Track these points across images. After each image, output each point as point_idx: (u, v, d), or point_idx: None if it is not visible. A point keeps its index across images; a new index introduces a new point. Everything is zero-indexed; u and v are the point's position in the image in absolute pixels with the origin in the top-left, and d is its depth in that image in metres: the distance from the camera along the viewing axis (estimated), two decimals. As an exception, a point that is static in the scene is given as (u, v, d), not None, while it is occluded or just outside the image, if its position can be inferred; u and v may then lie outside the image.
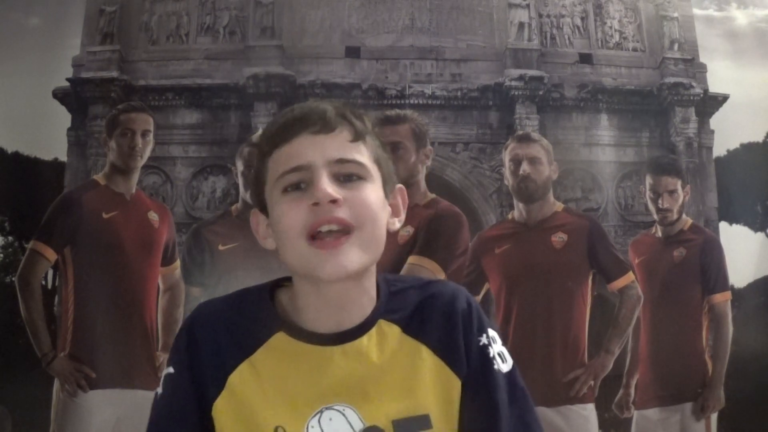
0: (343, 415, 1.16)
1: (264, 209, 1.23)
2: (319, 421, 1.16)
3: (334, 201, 1.14)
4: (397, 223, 1.23)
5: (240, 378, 1.18)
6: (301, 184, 1.17)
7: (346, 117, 1.20)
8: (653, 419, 4.07)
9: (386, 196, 1.22)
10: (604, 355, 3.58)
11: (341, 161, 1.17)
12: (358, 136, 1.20)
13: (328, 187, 1.15)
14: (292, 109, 1.22)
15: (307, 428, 1.16)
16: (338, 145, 1.18)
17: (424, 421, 1.18)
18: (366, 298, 1.21)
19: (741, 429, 13.62)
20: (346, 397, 1.17)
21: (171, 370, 1.22)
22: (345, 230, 1.15)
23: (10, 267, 22.80)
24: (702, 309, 4.07)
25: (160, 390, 1.22)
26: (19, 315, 3.60)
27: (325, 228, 1.14)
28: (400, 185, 1.26)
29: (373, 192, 1.19)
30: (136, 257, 3.60)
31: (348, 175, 1.17)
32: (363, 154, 1.20)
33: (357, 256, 1.15)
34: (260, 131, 3.80)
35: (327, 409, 1.17)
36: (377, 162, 1.21)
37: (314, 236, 1.15)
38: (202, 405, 1.19)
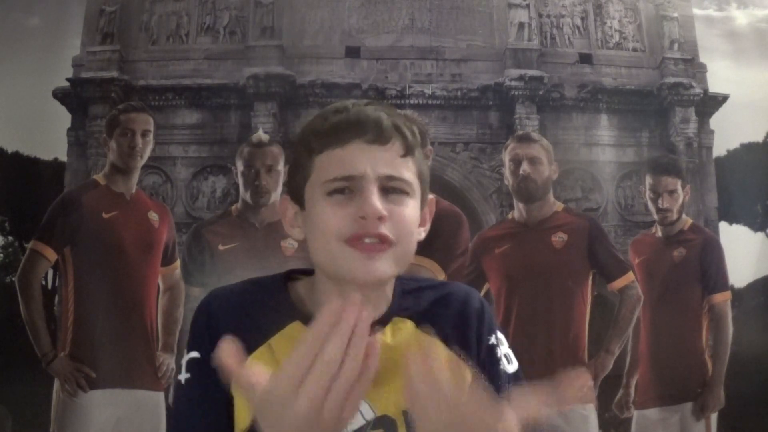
0: None
1: (297, 200, 1.23)
2: None
3: (380, 217, 1.15)
4: (422, 233, 1.24)
5: (259, 361, 1.17)
6: (345, 189, 1.17)
7: (399, 129, 1.20)
8: (653, 419, 4.07)
9: (421, 208, 1.23)
10: (604, 355, 3.58)
11: (390, 177, 1.18)
12: (408, 151, 1.20)
13: (377, 203, 1.15)
14: (345, 108, 1.21)
15: None
16: (390, 159, 1.18)
17: None
18: (383, 299, 1.23)
19: (741, 429, 13.62)
20: None
21: (195, 354, 1.21)
22: (384, 243, 1.16)
23: (10, 267, 22.79)
24: (702, 309, 4.07)
25: (184, 375, 1.21)
26: (19, 315, 3.60)
27: (366, 240, 1.16)
28: (431, 197, 1.27)
29: (413, 208, 1.20)
30: (136, 257, 3.60)
31: (394, 189, 1.18)
32: (410, 170, 1.20)
33: (390, 267, 1.17)
34: (260, 131, 3.81)
35: None
36: (420, 176, 1.22)
37: (353, 242, 1.16)
38: (227, 386, 1.20)
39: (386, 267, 1.17)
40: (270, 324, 1.21)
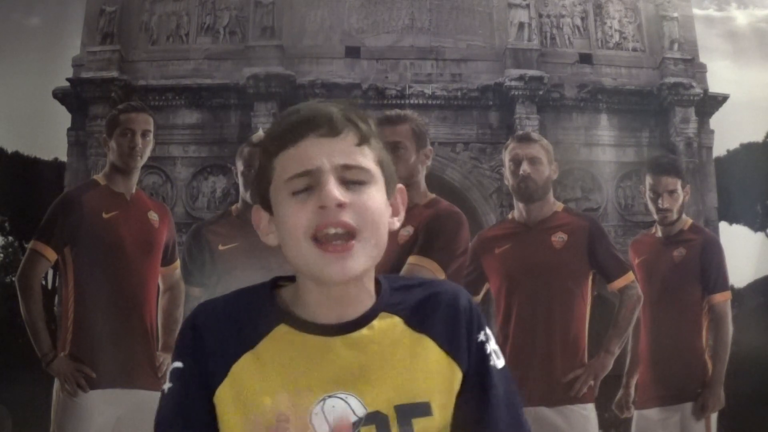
0: (346, 402, 1.19)
1: (266, 206, 1.25)
2: (322, 408, 1.19)
3: (340, 204, 1.17)
4: (396, 223, 1.26)
5: (243, 367, 1.21)
6: (308, 187, 1.19)
7: (351, 120, 1.22)
8: (653, 419, 4.07)
9: (388, 197, 1.25)
10: (604, 355, 3.58)
11: (347, 167, 1.20)
12: (363, 140, 1.22)
13: (335, 190, 1.17)
14: (297, 110, 1.24)
15: (311, 415, 1.18)
16: (344, 149, 1.21)
17: (425, 408, 1.21)
18: (366, 294, 1.25)
19: (741, 429, 13.62)
20: (348, 385, 1.20)
21: (178, 364, 1.24)
22: (350, 234, 1.18)
23: (10, 267, 22.81)
24: (702, 309, 4.07)
25: (168, 384, 1.24)
26: (19, 315, 3.60)
27: (331, 231, 1.18)
28: (400, 185, 1.29)
29: (376, 195, 1.22)
30: (136, 257, 3.60)
31: (353, 180, 1.20)
32: (368, 158, 1.22)
33: (362, 259, 1.19)
34: (260, 131, 3.81)
35: (330, 396, 1.19)
36: (380, 164, 1.24)
37: (319, 238, 1.18)
38: (209, 396, 1.22)
39: (358, 262, 1.19)
40: (257, 329, 1.23)
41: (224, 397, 1.21)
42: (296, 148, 1.21)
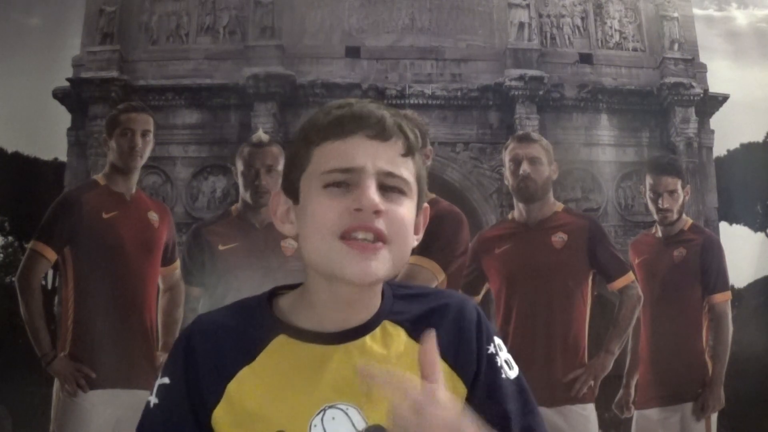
0: (346, 413, 1.16)
1: (291, 192, 1.22)
2: (321, 420, 1.16)
3: (377, 211, 1.14)
4: (415, 242, 1.23)
5: (239, 385, 1.18)
6: (342, 183, 1.16)
7: (402, 128, 1.19)
8: (653, 419, 4.07)
9: (416, 214, 1.22)
10: (604, 355, 3.58)
11: (390, 174, 1.17)
12: (409, 151, 1.19)
13: (375, 196, 1.14)
14: (349, 104, 1.20)
15: (310, 427, 1.15)
16: (390, 156, 1.17)
17: None
18: (375, 299, 1.22)
19: (741, 429, 13.62)
20: (348, 396, 1.16)
21: (166, 380, 1.20)
22: (379, 240, 1.15)
23: (10, 267, 22.80)
24: (702, 309, 4.07)
25: (153, 399, 1.22)
26: (19, 315, 3.60)
27: (360, 235, 1.14)
28: (425, 205, 1.26)
29: (410, 209, 1.19)
30: (136, 257, 3.60)
31: (392, 188, 1.17)
32: (410, 170, 1.19)
33: (385, 266, 1.16)
34: (260, 131, 3.81)
35: (329, 407, 1.16)
36: (418, 179, 1.21)
37: (347, 238, 1.14)
38: (199, 416, 1.18)
39: (381, 267, 1.15)
40: (254, 344, 1.19)
41: (222, 418, 1.17)
42: (342, 143, 1.17)
